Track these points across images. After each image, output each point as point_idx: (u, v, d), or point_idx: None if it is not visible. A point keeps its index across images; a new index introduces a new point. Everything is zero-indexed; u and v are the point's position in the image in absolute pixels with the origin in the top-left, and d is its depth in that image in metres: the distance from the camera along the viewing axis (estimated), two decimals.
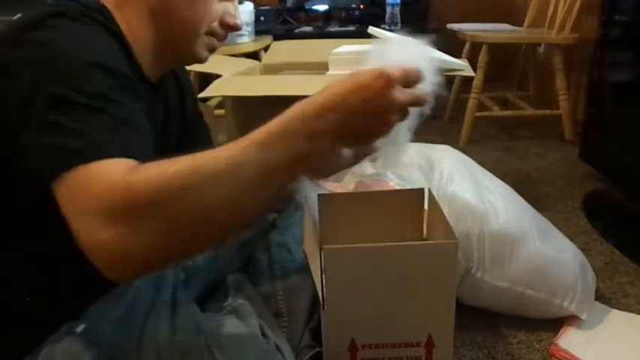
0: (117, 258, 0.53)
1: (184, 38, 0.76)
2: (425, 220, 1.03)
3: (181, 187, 0.53)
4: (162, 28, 0.75)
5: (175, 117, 0.89)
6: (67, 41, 0.63)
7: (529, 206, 1.36)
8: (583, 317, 1.20)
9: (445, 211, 1.10)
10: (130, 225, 0.52)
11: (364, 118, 0.57)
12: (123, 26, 0.72)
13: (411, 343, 0.85)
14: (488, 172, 1.42)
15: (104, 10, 0.71)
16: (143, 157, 0.56)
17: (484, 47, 2.46)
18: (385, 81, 0.56)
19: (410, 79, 0.58)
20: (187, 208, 0.53)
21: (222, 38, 0.81)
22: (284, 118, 0.57)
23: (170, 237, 0.54)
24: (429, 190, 1.01)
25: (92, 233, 0.52)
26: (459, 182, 1.26)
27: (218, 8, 0.77)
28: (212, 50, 0.81)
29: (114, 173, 0.54)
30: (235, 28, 0.80)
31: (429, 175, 1.31)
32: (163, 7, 0.74)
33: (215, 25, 0.78)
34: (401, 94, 0.57)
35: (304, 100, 0.57)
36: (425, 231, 1.04)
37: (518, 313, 1.23)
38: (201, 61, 0.80)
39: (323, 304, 0.80)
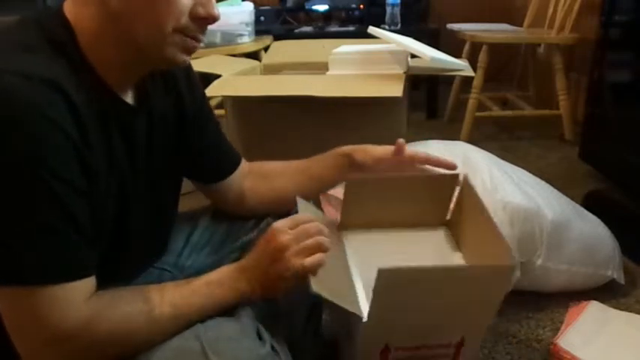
0: None
1: (150, 41, 0.68)
2: (452, 204, 0.99)
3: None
4: (123, 31, 0.67)
5: (168, 126, 0.83)
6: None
7: (556, 190, 1.43)
8: (622, 282, 1.33)
9: (501, 219, 1.17)
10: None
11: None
12: (82, 40, 0.67)
13: (443, 344, 0.84)
14: (512, 165, 1.45)
15: (64, 26, 0.67)
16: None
17: (484, 47, 2.46)
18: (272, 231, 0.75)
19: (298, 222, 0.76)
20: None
21: (197, 34, 0.71)
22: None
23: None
24: (465, 177, 0.96)
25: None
26: (504, 187, 1.27)
27: (186, 2, 0.68)
28: (189, 51, 0.72)
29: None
30: (209, 19, 0.70)
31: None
32: (122, 8, 0.66)
33: (186, 21, 0.68)
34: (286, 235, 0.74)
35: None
36: (449, 214, 1.00)
37: (568, 290, 1.31)
38: (177, 64, 0.72)
39: (365, 316, 0.77)
